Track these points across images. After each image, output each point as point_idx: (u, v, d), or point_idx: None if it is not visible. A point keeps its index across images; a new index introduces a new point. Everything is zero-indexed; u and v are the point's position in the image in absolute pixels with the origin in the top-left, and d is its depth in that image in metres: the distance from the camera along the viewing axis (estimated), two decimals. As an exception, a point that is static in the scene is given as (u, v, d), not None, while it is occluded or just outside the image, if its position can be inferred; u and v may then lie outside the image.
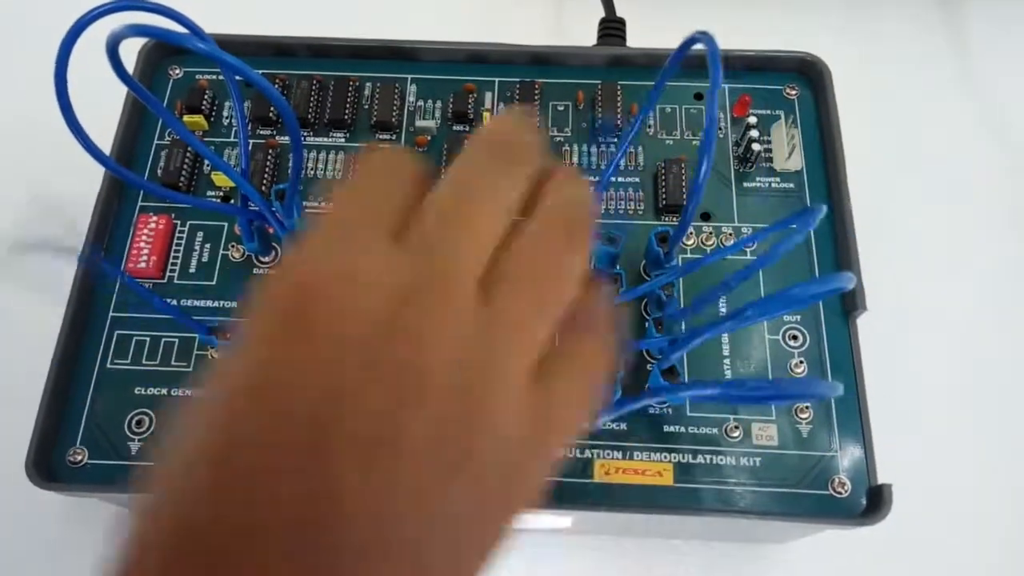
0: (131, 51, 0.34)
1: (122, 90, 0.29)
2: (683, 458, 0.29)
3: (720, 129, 0.34)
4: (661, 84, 0.26)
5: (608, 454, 0.29)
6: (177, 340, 0.30)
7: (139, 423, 0.29)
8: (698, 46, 0.24)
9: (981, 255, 0.40)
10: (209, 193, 0.33)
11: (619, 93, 0.34)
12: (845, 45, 0.46)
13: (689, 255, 0.32)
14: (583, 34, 0.41)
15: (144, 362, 0.30)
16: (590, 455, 0.29)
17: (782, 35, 0.44)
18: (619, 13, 0.42)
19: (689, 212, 0.24)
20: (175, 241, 0.32)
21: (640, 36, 0.40)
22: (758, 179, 0.34)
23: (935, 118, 0.44)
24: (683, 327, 0.29)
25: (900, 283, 0.38)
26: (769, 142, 0.34)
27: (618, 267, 0.31)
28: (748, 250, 0.32)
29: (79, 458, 0.29)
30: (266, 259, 0.32)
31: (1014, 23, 0.46)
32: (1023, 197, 0.42)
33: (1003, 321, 0.39)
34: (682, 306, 0.29)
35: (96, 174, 0.32)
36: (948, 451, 0.36)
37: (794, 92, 0.35)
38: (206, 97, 0.35)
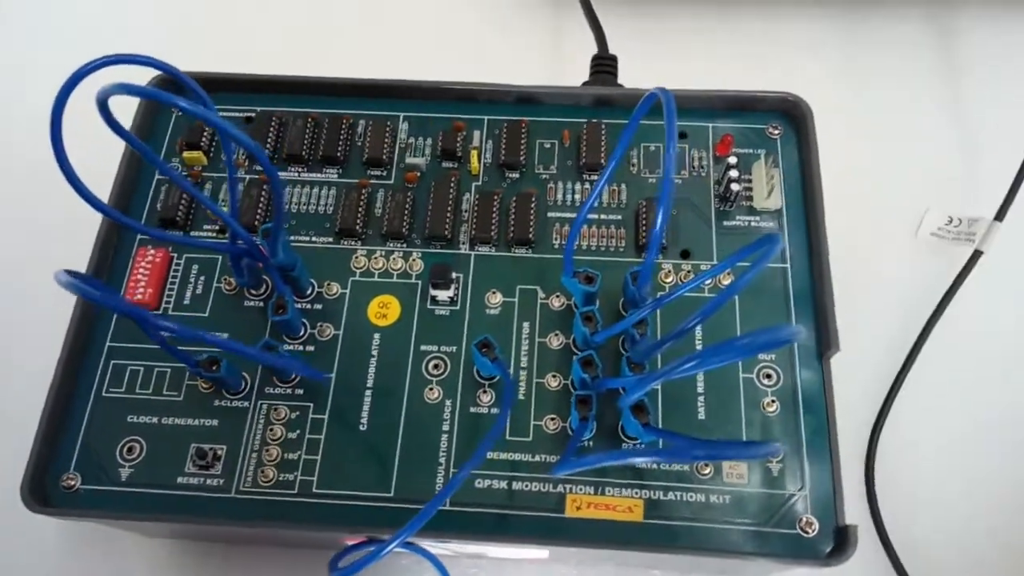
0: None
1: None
2: (654, 494, 0.29)
3: (702, 168, 0.35)
4: (626, 140, 0.26)
5: (580, 489, 0.30)
6: (169, 370, 0.32)
7: (130, 450, 0.30)
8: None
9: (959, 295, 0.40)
10: (206, 226, 0.35)
11: (603, 132, 0.35)
12: (835, 85, 0.46)
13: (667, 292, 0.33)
14: (579, 70, 0.42)
15: (138, 391, 0.31)
16: (563, 489, 0.30)
17: (772, 73, 0.45)
18: (614, 50, 0.43)
19: (648, 260, 0.25)
20: (171, 273, 0.33)
21: (633, 72, 0.41)
22: (738, 217, 0.34)
23: (921, 157, 0.44)
24: (646, 367, 0.30)
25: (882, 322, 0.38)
26: (750, 181, 0.35)
27: (596, 305, 0.32)
28: (714, 283, 0.32)
29: (72, 483, 0.30)
30: (257, 292, 0.33)
31: (1006, 63, 0.46)
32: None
33: (987, 363, 0.39)
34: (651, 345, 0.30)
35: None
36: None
37: (777, 131, 0.36)
38: (205, 133, 0.36)
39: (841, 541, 0.28)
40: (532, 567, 0.35)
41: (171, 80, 0.29)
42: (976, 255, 0.41)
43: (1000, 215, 0.41)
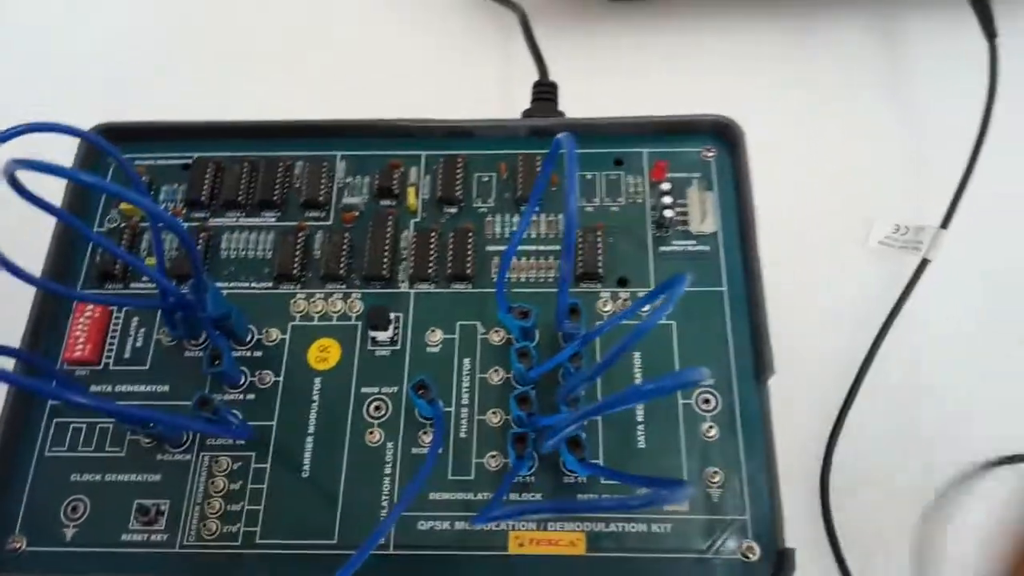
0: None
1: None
2: (596, 526, 0.29)
3: (638, 194, 0.35)
4: (540, 187, 0.27)
5: (522, 525, 0.30)
6: (111, 426, 0.32)
7: (74, 509, 0.30)
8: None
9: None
10: (145, 278, 0.35)
11: (538, 164, 0.35)
12: (780, 98, 0.47)
13: (605, 320, 0.33)
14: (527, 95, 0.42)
15: (80, 449, 0.31)
16: (505, 527, 0.30)
17: (715, 88, 0.45)
18: (557, 74, 0.43)
19: (560, 307, 0.25)
20: (111, 327, 0.33)
21: (575, 95, 0.41)
22: (674, 243, 0.34)
23: (868, 168, 0.44)
24: (579, 401, 0.30)
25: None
26: (685, 205, 0.35)
27: (535, 340, 0.32)
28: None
29: (18, 546, 0.30)
30: (197, 342, 0.33)
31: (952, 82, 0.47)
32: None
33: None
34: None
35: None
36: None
37: (711, 154, 0.36)
38: (143, 181, 0.36)
39: (781, 565, 0.28)
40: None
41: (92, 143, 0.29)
42: (924, 263, 0.41)
43: (945, 223, 0.41)
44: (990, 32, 0.41)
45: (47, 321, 0.33)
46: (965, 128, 0.41)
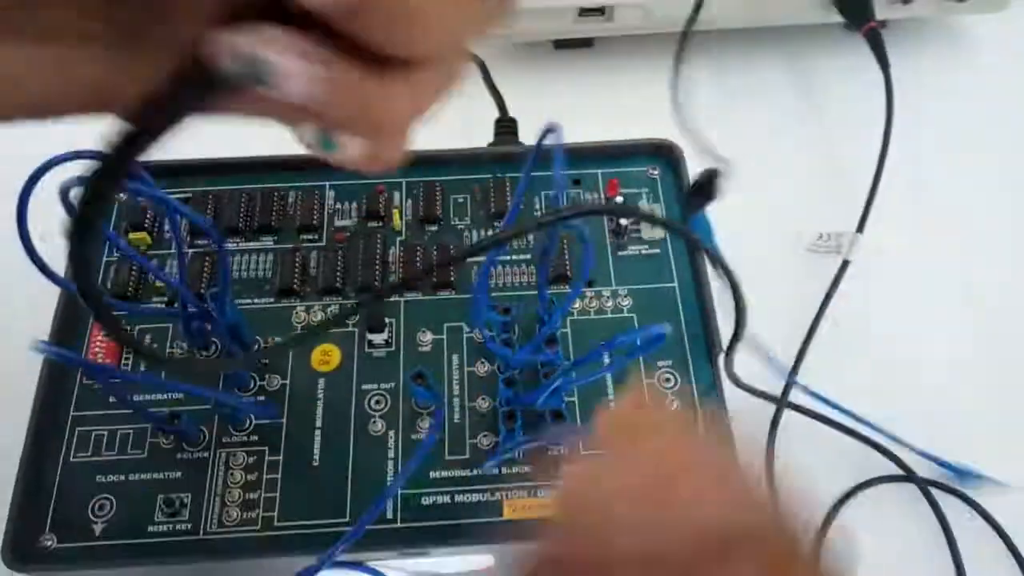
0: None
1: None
2: (578, 492, 0.33)
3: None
4: (521, 190, 0.31)
5: (516, 494, 0.33)
6: (132, 432, 0.34)
7: (101, 507, 0.33)
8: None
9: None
10: (155, 299, 0.38)
11: (507, 185, 0.40)
12: (716, 126, 0.53)
13: (576, 316, 0.37)
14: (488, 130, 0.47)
15: (104, 453, 0.34)
16: (500, 497, 0.33)
17: (655, 121, 0.51)
18: (516, 110, 0.48)
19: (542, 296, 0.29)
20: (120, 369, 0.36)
21: (533, 128, 0.46)
22: (630, 248, 0.39)
23: (795, 184, 0.51)
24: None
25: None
26: (637, 216, 0.40)
27: (516, 333, 0.36)
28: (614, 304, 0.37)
29: (49, 544, 0.32)
30: (207, 353, 0.36)
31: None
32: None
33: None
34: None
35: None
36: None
37: (655, 172, 0.41)
38: (148, 216, 0.39)
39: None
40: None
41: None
42: (845, 264, 0.47)
43: (860, 227, 0.47)
44: (884, 63, 0.48)
45: (69, 334, 0.36)
46: (871, 145, 0.48)
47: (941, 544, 0.40)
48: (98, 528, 0.33)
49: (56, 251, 0.34)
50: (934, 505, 0.40)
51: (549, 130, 0.30)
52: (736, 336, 0.32)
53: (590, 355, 0.26)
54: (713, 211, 0.41)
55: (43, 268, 0.29)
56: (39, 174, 0.28)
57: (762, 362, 0.38)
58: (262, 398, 0.35)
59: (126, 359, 0.36)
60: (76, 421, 0.35)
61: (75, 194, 0.27)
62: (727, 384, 0.36)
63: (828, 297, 0.46)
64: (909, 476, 0.41)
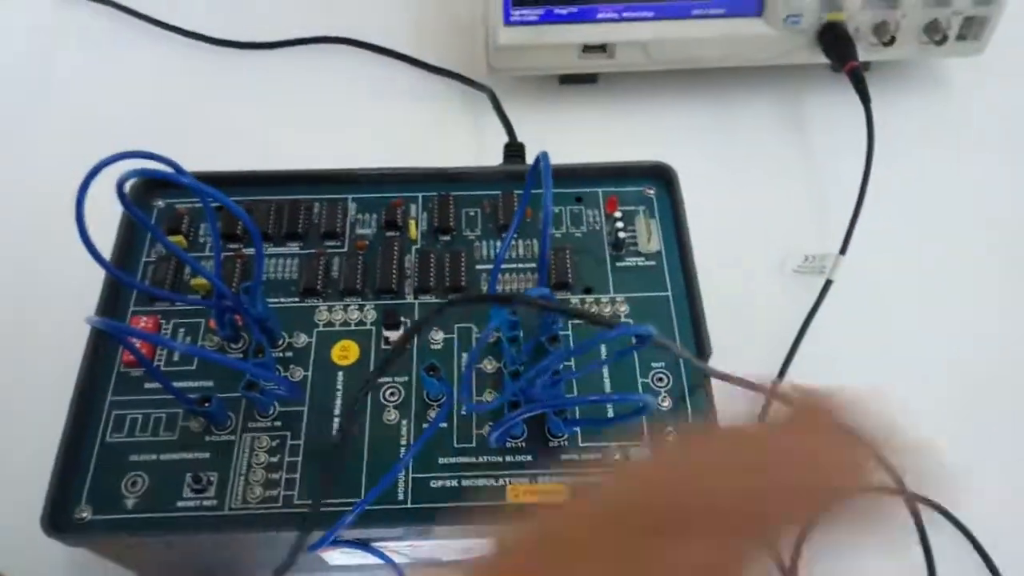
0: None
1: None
2: (575, 481, 0.36)
3: (596, 223, 0.44)
4: (523, 205, 0.35)
5: (518, 480, 0.36)
6: (164, 416, 0.37)
7: (134, 483, 0.36)
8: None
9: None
10: (188, 296, 0.41)
11: (514, 201, 0.44)
12: (708, 152, 0.57)
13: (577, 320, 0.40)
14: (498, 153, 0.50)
15: (138, 434, 0.37)
16: (503, 482, 0.36)
17: (653, 145, 0.55)
18: (523, 135, 0.52)
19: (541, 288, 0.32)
20: (161, 335, 0.39)
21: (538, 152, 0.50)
22: (627, 259, 0.42)
23: (781, 207, 0.54)
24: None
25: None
26: (634, 231, 0.43)
27: (520, 332, 0.39)
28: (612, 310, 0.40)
29: (85, 515, 0.35)
30: (236, 346, 0.39)
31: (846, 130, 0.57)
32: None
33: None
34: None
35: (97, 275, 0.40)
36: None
37: (651, 191, 0.45)
38: (184, 221, 0.43)
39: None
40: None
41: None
42: (828, 284, 0.50)
43: (843, 249, 0.51)
44: (865, 98, 0.52)
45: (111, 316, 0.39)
46: (853, 172, 0.52)
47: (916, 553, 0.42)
48: (130, 502, 0.35)
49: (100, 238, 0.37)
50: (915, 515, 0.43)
51: (540, 158, 0.33)
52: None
53: (585, 343, 0.29)
54: (707, 235, 0.44)
55: (95, 254, 0.32)
56: (95, 171, 0.31)
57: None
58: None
59: (159, 356, 0.39)
60: (113, 405, 0.38)
61: (130, 185, 0.31)
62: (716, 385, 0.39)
63: (811, 314, 0.49)
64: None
